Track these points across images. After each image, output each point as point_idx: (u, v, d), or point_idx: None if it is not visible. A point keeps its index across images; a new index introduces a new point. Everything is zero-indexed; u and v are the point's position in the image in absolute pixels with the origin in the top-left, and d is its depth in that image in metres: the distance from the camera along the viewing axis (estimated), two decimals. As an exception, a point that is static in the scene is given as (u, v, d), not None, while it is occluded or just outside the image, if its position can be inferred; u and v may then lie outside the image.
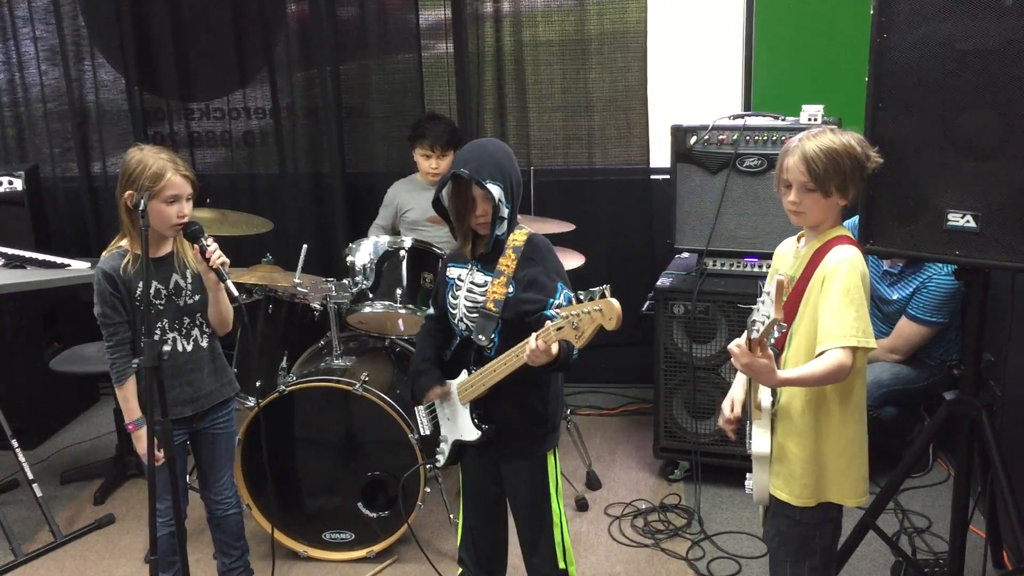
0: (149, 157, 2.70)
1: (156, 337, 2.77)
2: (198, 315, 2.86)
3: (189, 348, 2.86)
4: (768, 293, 2.05)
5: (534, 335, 2.32)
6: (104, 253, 2.82)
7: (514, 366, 2.43)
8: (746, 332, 2.11)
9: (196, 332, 2.87)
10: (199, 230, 2.73)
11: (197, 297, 2.84)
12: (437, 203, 2.61)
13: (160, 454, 2.74)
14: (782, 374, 2.21)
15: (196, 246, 2.73)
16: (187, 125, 4.93)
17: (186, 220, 2.74)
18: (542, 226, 3.90)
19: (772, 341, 2.23)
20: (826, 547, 2.43)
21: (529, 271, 2.51)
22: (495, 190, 2.45)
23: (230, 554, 3.12)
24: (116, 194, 2.74)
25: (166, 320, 2.80)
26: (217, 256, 2.70)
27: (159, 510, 2.77)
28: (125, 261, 2.74)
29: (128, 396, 2.81)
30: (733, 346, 2.14)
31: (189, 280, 2.83)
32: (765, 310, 2.05)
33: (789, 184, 2.29)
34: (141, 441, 2.81)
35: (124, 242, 2.78)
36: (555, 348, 2.32)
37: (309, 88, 4.78)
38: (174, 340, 2.82)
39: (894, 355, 3.73)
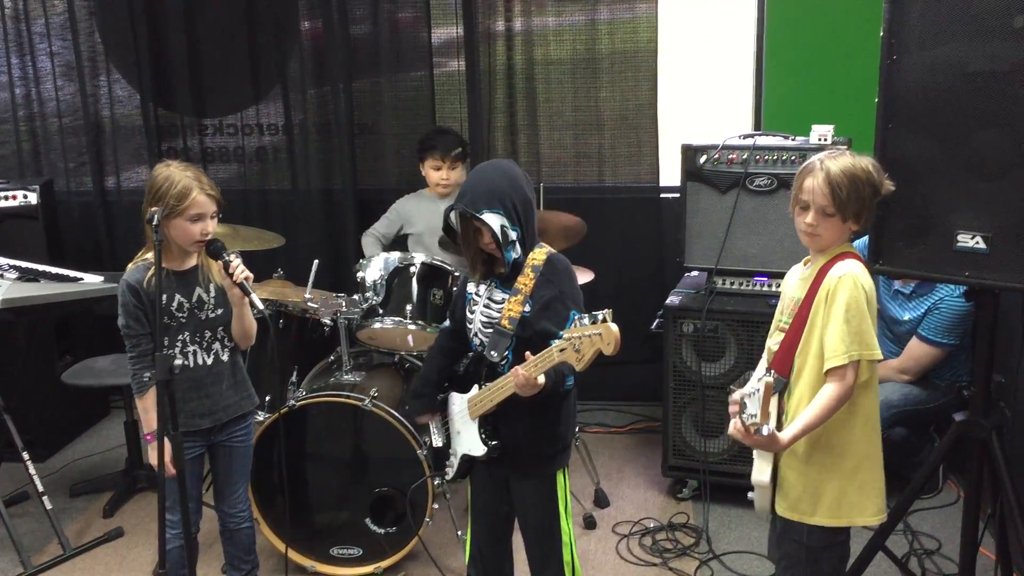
0: (176, 174, 2.73)
1: (176, 350, 2.81)
2: (220, 329, 2.89)
3: (209, 361, 2.89)
4: (757, 392, 2.07)
5: (520, 366, 2.36)
6: (129, 265, 2.85)
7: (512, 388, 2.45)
8: (738, 416, 2.18)
9: (217, 346, 2.89)
10: (221, 247, 2.77)
11: (220, 311, 2.87)
12: (449, 230, 2.63)
13: (169, 463, 2.76)
14: (785, 436, 2.23)
15: (219, 262, 2.77)
16: (201, 141, 4.96)
17: (209, 237, 2.78)
18: (552, 217, 3.92)
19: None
20: (833, 571, 2.42)
21: (546, 292, 2.51)
22: (492, 219, 2.45)
23: (240, 568, 3.13)
24: (142, 209, 2.76)
25: (187, 333, 2.83)
26: (241, 271, 2.74)
27: (170, 522, 2.79)
28: (150, 274, 2.77)
29: (148, 407, 2.83)
30: (732, 431, 2.21)
31: (212, 294, 2.86)
32: (752, 407, 2.10)
33: (807, 206, 2.28)
34: (156, 452, 2.83)
35: (149, 255, 2.81)
36: (542, 379, 2.34)
37: (322, 105, 4.81)
38: (194, 353, 2.86)
39: (904, 376, 3.72)
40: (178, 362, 2.66)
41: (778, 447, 2.23)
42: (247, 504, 3.11)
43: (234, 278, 2.74)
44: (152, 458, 2.85)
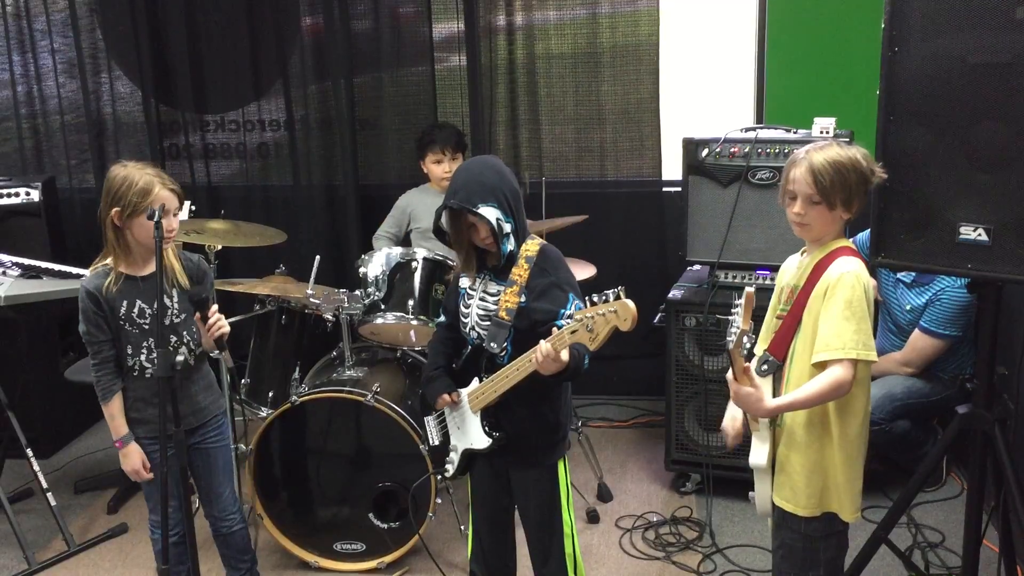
0: (134, 173, 2.68)
1: (142, 357, 2.77)
2: (184, 333, 2.82)
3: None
4: (739, 304, 2.08)
5: (544, 341, 2.34)
6: (88, 271, 2.81)
7: (525, 372, 2.44)
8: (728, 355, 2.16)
9: (184, 351, 2.81)
10: (206, 300, 2.71)
11: (183, 316, 2.80)
12: (439, 231, 2.62)
13: (143, 468, 2.78)
14: (771, 402, 2.23)
15: (199, 313, 2.71)
16: (202, 137, 4.97)
17: (175, 233, 2.73)
18: (554, 225, 3.92)
19: (763, 368, 2.26)
20: (831, 560, 2.42)
21: (541, 281, 2.52)
22: (489, 213, 2.45)
23: (238, 568, 3.12)
24: (100, 212, 2.71)
25: (151, 339, 2.77)
26: (218, 328, 2.71)
27: (154, 522, 2.83)
28: (109, 280, 2.73)
29: (114, 413, 2.80)
30: (728, 375, 2.19)
31: (176, 299, 2.79)
32: (737, 322, 2.09)
33: (794, 196, 2.30)
34: (128, 458, 2.83)
35: (108, 260, 2.77)
36: (565, 355, 2.33)
37: (323, 100, 4.82)
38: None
39: (907, 368, 3.71)
40: (180, 358, 2.65)
41: (762, 410, 2.23)
42: (236, 506, 3.05)
43: (210, 333, 2.71)
44: (126, 466, 2.84)
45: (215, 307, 2.73)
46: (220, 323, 2.72)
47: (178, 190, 2.75)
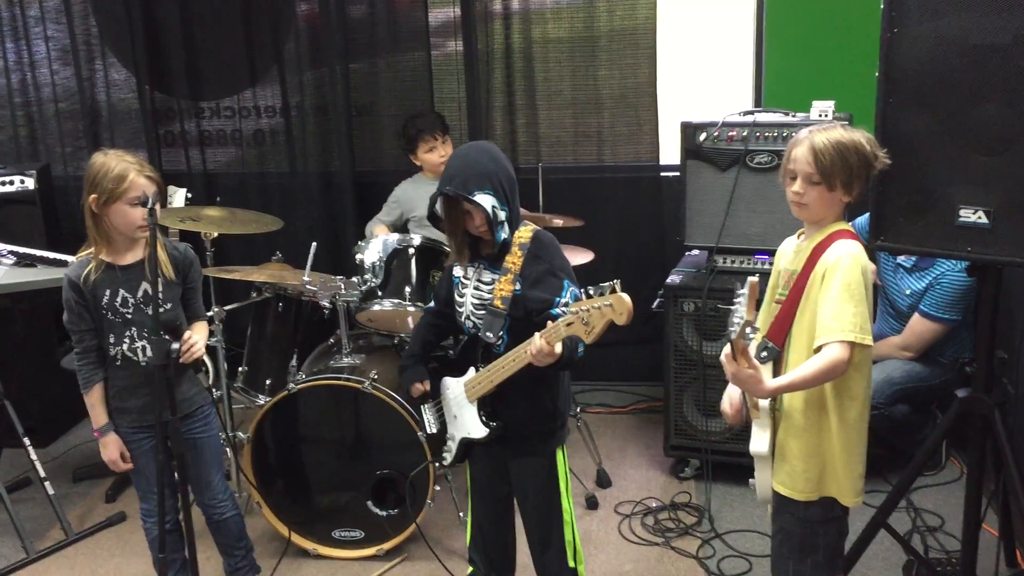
0: (112, 160, 2.66)
1: (124, 346, 2.75)
2: (168, 324, 2.78)
3: None
4: (742, 295, 2.05)
5: (538, 334, 2.33)
6: (74, 258, 2.79)
7: (523, 362, 2.42)
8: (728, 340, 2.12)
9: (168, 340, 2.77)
10: (167, 350, 2.61)
11: (168, 306, 2.77)
12: (434, 217, 2.60)
13: (119, 460, 2.78)
14: (771, 383, 2.21)
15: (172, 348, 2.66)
16: (198, 124, 4.95)
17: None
18: (551, 221, 3.90)
19: (762, 354, 2.23)
20: (829, 544, 2.41)
21: (536, 268, 2.50)
22: (485, 200, 2.43)
23: (234, 555, 3.12)
24: (82, 200, 2.68)
25: (134, 328, 2.74)
26: (191, 355, 2.70)
27: (145, 511, 2.83)
28: (88, 269, 2.71)
29: (94, 403, 2.79)
30: (722, 356, 2.16)
31: (160, 290, 2.74)
32: (740, 312, 2.07)
33: (795, 175, 2.29)
34: (106, 449, 2.82)
35: (92, 249, 2.74)
36: (559, 348, 2.32)
37: (319, 87, 4.79)
38: (143, 349, 2.76)
39: (907, 352, 3.70)
40: (175, 346, 2.63)
41: (761, 390, 2.21)
42: (227, 494, 3.04)
43: (184, 359, 2.68)
44: (104, 456, 2.83)
45: (187, 332, 2.74)
46: (192, 349, 2.71)
47: (156, 178, 2.70)
